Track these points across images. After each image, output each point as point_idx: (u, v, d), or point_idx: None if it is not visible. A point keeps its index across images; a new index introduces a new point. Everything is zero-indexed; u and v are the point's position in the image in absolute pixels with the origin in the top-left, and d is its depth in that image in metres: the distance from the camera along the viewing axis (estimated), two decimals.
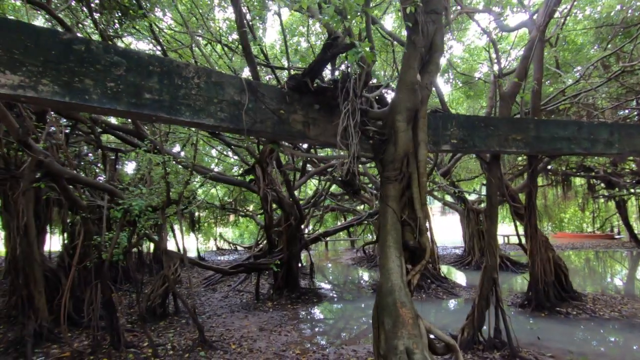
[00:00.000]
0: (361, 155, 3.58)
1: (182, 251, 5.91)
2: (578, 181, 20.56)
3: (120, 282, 9.54)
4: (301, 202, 13.82)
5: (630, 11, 9.74)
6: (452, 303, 8.46)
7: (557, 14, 10.15)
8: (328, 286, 10.87)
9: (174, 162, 6.03)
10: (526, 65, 5.79)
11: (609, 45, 10.41)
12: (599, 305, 7.40)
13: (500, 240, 17.09)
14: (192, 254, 17.21)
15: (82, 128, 7.99)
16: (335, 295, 9.43)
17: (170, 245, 7.19)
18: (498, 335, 5.16)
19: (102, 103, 2.77)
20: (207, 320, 7.06)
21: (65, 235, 7.92)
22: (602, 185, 18.03)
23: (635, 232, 19.54)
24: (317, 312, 7.96)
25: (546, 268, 7.33)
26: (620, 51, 10.17)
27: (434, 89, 7.44)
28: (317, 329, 6.70)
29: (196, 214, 17.91)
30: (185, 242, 6.03)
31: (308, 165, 10.40)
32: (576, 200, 24.58)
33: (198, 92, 3.16)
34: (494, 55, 6.86)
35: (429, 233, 3.41)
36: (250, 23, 7.83)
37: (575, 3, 9.99)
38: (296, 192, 14.78)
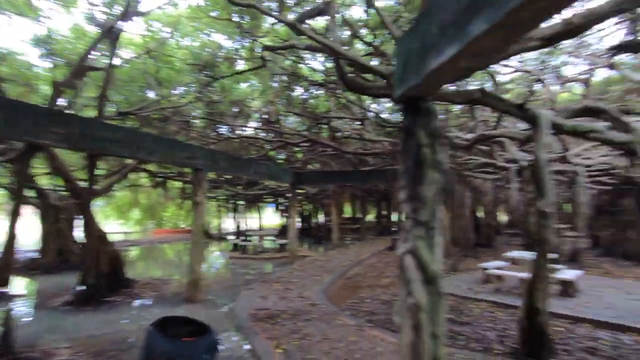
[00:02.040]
0: None
1: None
2: (177, 184, 23.98)
3: None
4: None
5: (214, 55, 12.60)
6: None
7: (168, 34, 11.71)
8: None
9: None
10: (81, 65, 5.89)
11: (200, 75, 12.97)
12: (146, 289, 8.68)
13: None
14: None
15: None
16: None
17: None
18: (7, 341, 4.69)
19: None
20: None
21: None
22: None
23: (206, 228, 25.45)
24: None
25: (102, 262, 7.69)
26: (204, 83, 12.91)
27: None
28: None
29: None
30: None
31: None
32: (175, 201, 28.82)
33: None
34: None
35: None
36: None
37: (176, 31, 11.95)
38: None
